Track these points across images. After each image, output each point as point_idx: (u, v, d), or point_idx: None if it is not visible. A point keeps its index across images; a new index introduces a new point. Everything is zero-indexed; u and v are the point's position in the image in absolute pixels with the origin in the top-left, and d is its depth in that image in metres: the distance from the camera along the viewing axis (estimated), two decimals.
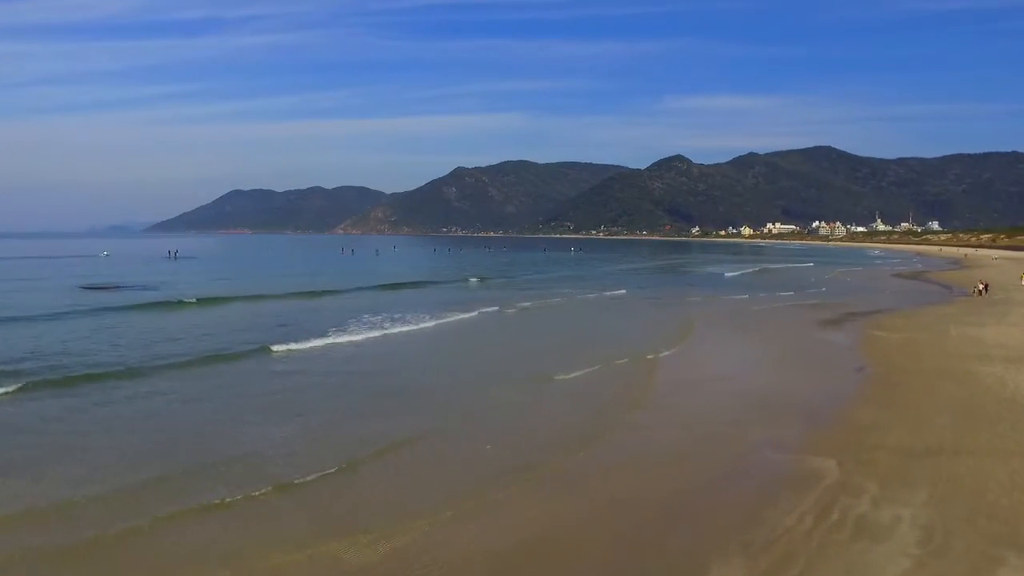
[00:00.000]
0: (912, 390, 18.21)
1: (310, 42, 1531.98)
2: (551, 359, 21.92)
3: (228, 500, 10.44)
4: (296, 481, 11.22)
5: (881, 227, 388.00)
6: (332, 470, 11.69)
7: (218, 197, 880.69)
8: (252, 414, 15.19)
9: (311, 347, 23.42)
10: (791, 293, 47.69)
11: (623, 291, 49.35)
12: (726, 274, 70.53)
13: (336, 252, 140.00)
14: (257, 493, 10.64)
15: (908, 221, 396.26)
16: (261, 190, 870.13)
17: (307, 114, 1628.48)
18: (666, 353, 23.12)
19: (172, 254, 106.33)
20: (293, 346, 23.18)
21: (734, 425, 15.20)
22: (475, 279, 57.59)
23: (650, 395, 17.79)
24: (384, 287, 49.15)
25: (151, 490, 10.85)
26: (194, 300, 36.59)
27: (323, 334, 25.60)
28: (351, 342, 24.74)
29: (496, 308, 36.43)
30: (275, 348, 22.70)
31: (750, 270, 78.48)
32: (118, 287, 48.68)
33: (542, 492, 11.21)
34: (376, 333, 26.74)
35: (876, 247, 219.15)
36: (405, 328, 28.29)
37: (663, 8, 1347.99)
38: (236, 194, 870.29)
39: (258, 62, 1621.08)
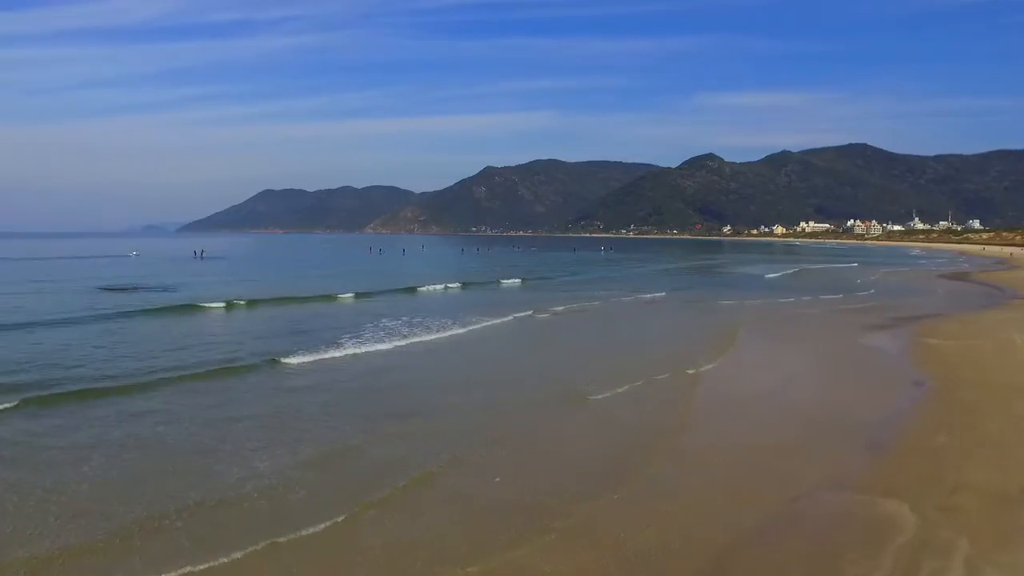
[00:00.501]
0: (985, 411, 16.15)
1: (340, 43, 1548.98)
2: (586, 374, 20.17)
3: (190, 571, 8.60)
4: (279, 539, 9.44)
5: (919, 226, 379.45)
6: (320, 527, 9.84)
7: (250, 197, 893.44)
8: (245, 442, 13.44)
9: (325, 359, 21.79)
10: (838, 296, 45.25)
11: (660, 294, 47.03)
12: (766, 275, 67.70)
13: (364, 252, 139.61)
14: (226, 560, 8.85)
15: (947, 219, 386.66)
16: (292, 190, 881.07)
17: (337, 114, 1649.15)
18: (709, 367, 21.21)
19: (199, 254, 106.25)
20: (305, 358, 21.59)
21: (785, 455, 13.33)
22: (505, 280, 55.86)
23: (691, 419, 15.93)
24: (409, 290, 47.64)
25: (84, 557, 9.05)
26: (209, 304, 35.43)
27: (340, 344, 24.07)
28: (369, 353, 23.07)
29: (528, 313, 34.41)
30: (285, 360, 21.17)
31: (790, 271, 75.37)
32: (137, 288, 47.90)
33: (563, 548, 9.50)
34: (397, 342, 24.96)
35: (915, 246, 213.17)
36: (429, 337, 26.46)
37: (695, 4, 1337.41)
38: (267, 194, 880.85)
39: (289, 63, 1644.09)
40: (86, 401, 16.38)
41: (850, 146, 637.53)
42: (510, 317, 32.80)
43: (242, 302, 36.86)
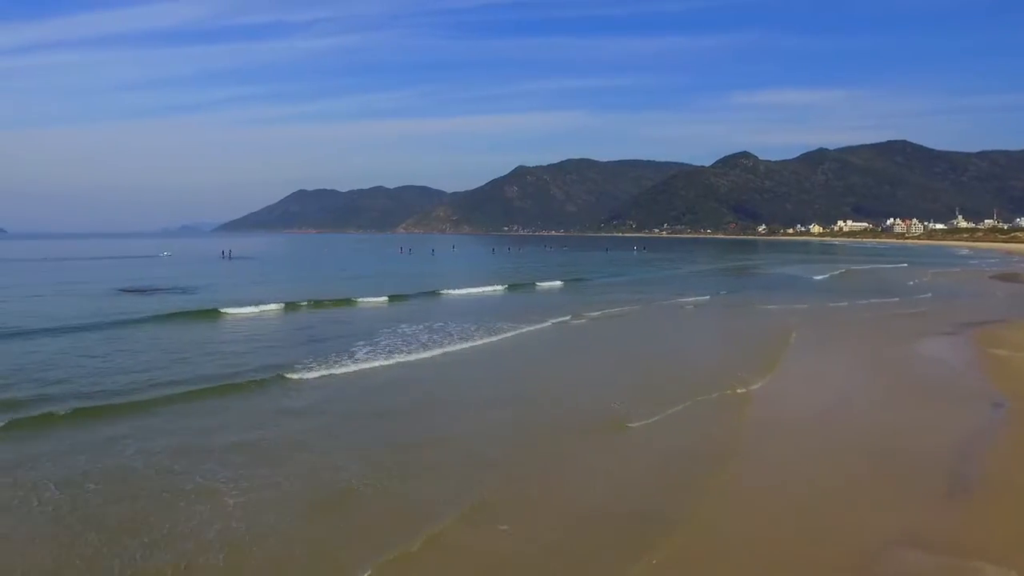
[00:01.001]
0: None
1: (372, 43, 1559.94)
2: (625, 393, 17.77)
3: None
4: None
5: (963, 224, 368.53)
6: None
7: (283, 197, 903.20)
8: (221, 482, 11.31)
9: (336, 374, 19.57)
10: (892, 299, 42.17)
11: (704, 297, 44.28)
12: (813, 277, 64.10)
13: (394, 252, 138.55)
14: None
15: (992, 218, 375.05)
16: (325, 190, 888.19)
17: (370, 114, 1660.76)
18: (760, 384, 18.65)
19: (227, 254, 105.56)
20: (313, 373, 19.40)
21: (850, 498, 10.91)
22: (539, 283, 53.06)
23: (742, 450, 13.41)
24: (436, 294, 45.39)
25: None
26: (224, 309, 33.57)
27: (354, 355, 21.95)
28: (385, 367, 20.85)
29: (563, 319, 32.09)
30: (292, 376, 19.05)
31: (836, 272, 71.82)
32: (157, 291, 46.68)
33: None
34: (417, 354, 22.63)
35: (961, 246, 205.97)
36: (453, 347, 24.08)
37: (729, 0, 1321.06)
38: (301, 194, 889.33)
39: (322, 64, 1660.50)
40: (50, 427, 14.33)
41: (889, 143, 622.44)
42: (544, 324, 30.51)
43: (259, 305, 34.98)
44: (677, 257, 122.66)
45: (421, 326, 28.72)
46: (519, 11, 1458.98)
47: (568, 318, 32.45)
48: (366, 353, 22.45)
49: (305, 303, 37.72)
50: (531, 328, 29.21)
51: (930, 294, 46.29)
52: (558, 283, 54.41)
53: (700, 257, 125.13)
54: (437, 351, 23.45)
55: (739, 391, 17.95)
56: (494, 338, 26.48)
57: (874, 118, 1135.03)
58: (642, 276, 66.63)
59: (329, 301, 39.05)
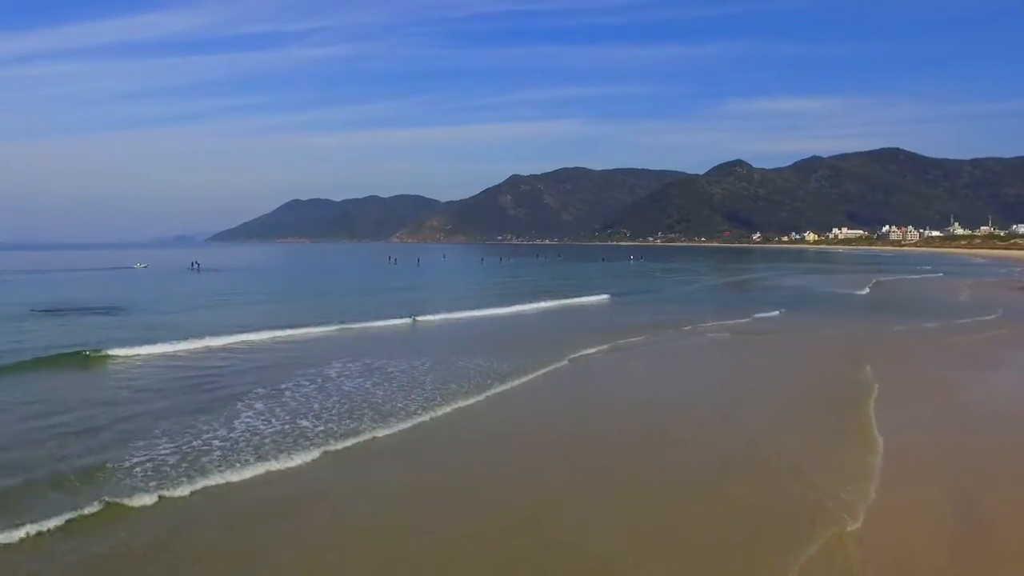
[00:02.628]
0: None
1: (367, 53, 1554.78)
2: (651, 506, 9.65)
3: None
4: None
5: (960, 231, 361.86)
6: None
7: (278, 207, 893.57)
8: None
9: (175, 497, 11.31)
10: (964, 320, 34.04)
11: (742, 320, 35.34)
12: (855, 292, 54.09)
13: (379, 261, 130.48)
14: None
15: (988, 224, 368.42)
16: (319, 199, 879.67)
17: (364, 124, 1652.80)
18: (865, 511, 10.47)
19: (195, 267, 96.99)
20: (170, 492, 11.09)
21: None
22: (523, 306, 42.49)
23: None
24: (405, 321, 36.75)
25: None
26: (108, 351, 24.72)
27: (257, 447, 13.56)
28: (292, 471, 12.49)
29: (560, 364, 22.89)
30: (128, 501, 10.78)
31: (870, 283, 63.11)
32: (75, 311, 38.80)
33: None
34: (353, 439, 14.21)
35: (963, 253, 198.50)
36: (395, 428, 15.36)
37: (724, 10, 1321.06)
38: (295, 204, 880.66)
39: (317, 74, 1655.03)
40: None
41: (882, 151, 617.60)
42: (532, 376, 20.93)
43: (152, 349, 25.21)
44: (680, 267, 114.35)
45: (380, 376, 20.25)
46: (513, 20, 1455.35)
47: (565, 363, 23.39)
48: (219, 454, 13.37)
49: (247, 330, 29.32)
50: (513, 385, 19.69)
51: (1000, 311, 38.00)
52: (551, 296, 46.12)
53: (704, 267, 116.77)
54: (383, 433, 14.71)
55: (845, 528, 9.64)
56: (451, 407, 16.89)
57: (867, 126, 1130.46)
58: (647, 290, 58.19)
59: (281, 327, 30.38)
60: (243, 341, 27.48)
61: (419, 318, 35.12)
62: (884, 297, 50.11)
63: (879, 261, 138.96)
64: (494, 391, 18.72)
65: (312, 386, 18.98)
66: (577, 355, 24.41)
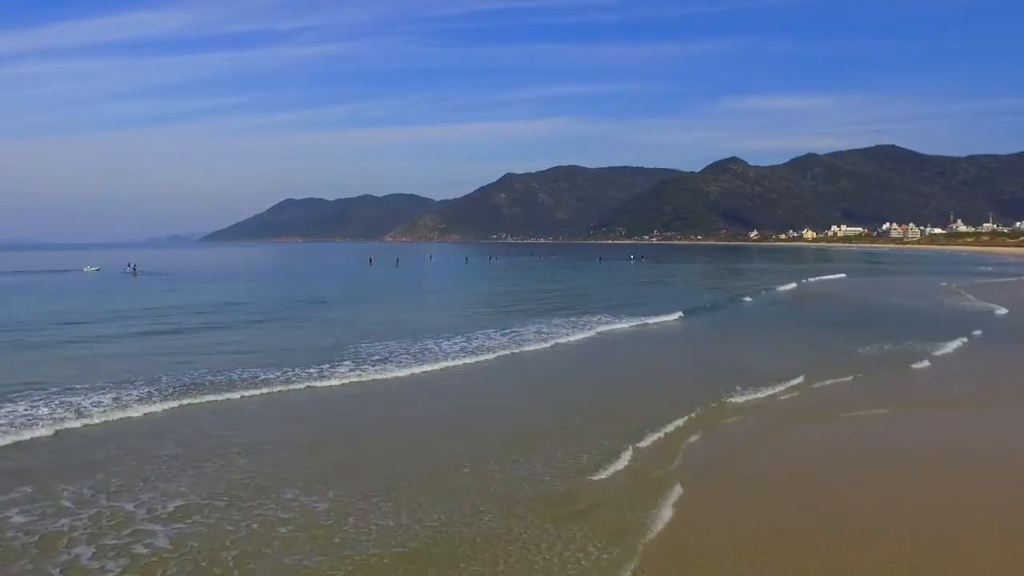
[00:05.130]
0: None
1: (360, 52, 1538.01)
2: None
3: None
4: None
5: (962, 228, 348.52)
6: None
7: (271, 206, 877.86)
8: None
9: None
10: None
11: (844, 378, 19.37)
12: (996, 310, 36.01)
13: (359, 262, 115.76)
14: None
15: (988, 221, 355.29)
16: (312, 199, 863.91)
17: (358, 123, 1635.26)
18: None
19: (131, 269, 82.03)
20: None
21: None
22: (496, 334, 28.83)
23: None
24: (311, 369, 22.17)
25: None
26: None
27: None
28: None
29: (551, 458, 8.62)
30: None
31: (967, 292, 47.20)
32: None
33: None
34: None
35: (975, 251, 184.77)
36: None
37: (719, 7, 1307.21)
38: (288, 203, 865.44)
39: (309, 73, 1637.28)
40: None
41: (877, 148, 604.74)
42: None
43: None
44: (689, 270, 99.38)
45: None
46: (507, 18, 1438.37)
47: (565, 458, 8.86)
48: None
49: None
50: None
51: None
52: (545, 315, 30.88)
53: (716, 268, 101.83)
54: None
55: None
56: None
57: (863, 123, 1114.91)
58: (662, 298, 43.19)
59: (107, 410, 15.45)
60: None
61: (321, 381, 19.89)
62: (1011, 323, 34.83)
63: (907, 261, 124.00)
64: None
65: None
66: None
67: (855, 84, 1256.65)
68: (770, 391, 17.43)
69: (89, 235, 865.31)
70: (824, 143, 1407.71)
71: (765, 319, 35.50)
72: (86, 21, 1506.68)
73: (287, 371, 19.79)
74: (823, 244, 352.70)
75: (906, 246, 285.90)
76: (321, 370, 20.05)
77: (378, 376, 19.68)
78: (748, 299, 43.37)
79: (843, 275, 72.45)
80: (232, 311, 36.92)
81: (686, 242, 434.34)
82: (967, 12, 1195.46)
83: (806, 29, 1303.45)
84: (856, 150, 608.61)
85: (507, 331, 28.77)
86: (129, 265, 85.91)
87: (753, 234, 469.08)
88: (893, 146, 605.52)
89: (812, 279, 64.83)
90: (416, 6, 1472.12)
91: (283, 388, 17.91)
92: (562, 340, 26.74)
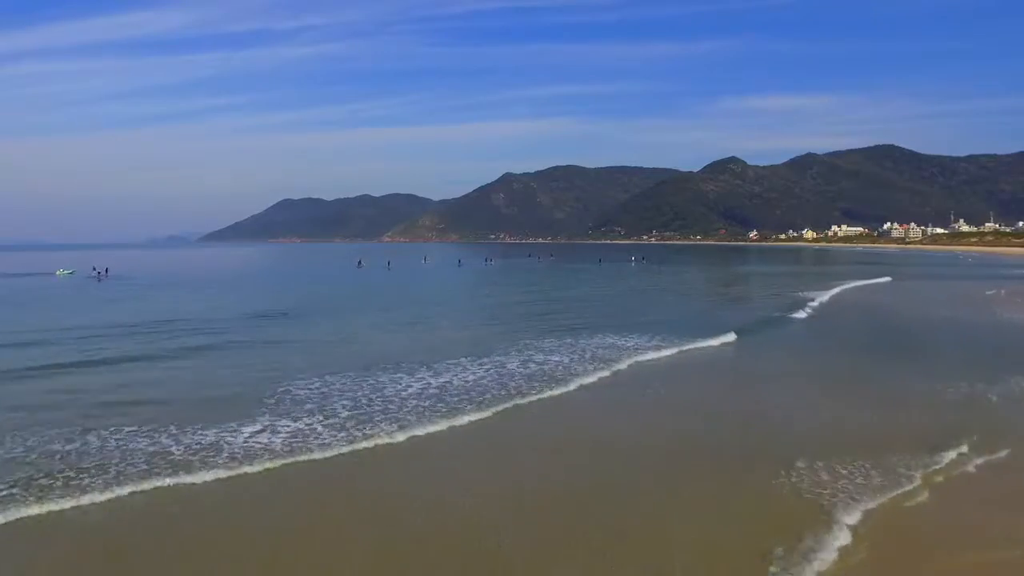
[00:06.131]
0: None
1: (358, 51, 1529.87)
2: None
3: None
4: None
5: (965, 228, 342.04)
6: None
7: (270, 206, 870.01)
8: None
9: None
10: None
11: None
12: None
13: (349, 264, 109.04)
14: None
15: (989, 221, 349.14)
16: (311, 199, 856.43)
17: (356, 123, 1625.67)
18: None
19: (99, 274, 75.28)
20: None
21: None
22: (472, 369, 22.92)
23: None
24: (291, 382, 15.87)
25: None
26: None
27: None
28: None
29: None
30: None
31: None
32: None
33: None
34: None
35: (983, 251, 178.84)
36: None
37: (718, 6, 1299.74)
38: (286, 203, 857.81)
39: (308, 72, 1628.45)
40: None
41: (876, 147, 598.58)
42: None
43: None
44: (698, 273, 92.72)
45: None
46: (505, 18, 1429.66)
47: None
48: None
49: None
50: None
51: None
52: (537, 341, 24.62)
53: (731, 274, 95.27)
54: None
55: None
56: None
57: (861, 123, 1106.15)
58: (704, 319, 36.70)
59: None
60: None
61: (189, 475, 13.12)
62: None
63: (924, 263, 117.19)
64: None
65: None
66: None
67: (855, 84, 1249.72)
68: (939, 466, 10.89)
69: (88, 235, 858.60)
70: (823, 143, 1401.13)
71: (851, 344, 27.87)
72: (85, 21, 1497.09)
73: (157, 445, 13.22)
74: (824, 244, 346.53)
75: (910, 246, 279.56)
76: (204, 446, 13.40)
77: (287, 459, 12.81)
78: (800, 314, 35.97)
79: (887, 279, 65.59)
80: (167, 332, 30.22)
81: (685, 242, 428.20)
82: (967, 12, 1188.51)
83: (806, 29, 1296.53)
84: (855, 150, 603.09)
85: (502, 360, 22.14)
86: (95, 269, 79.11)
87: (752, 234, 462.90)
88: (892, 146, 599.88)
89: (850, 284, 57.51)
90: (414, 5, 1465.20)
91: (108, 496, 11.02)
92: (586, 379, 19.71)
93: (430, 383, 18.82)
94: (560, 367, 21.35)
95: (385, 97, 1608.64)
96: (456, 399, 17.22)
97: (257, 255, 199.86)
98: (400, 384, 18.66)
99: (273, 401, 16.74)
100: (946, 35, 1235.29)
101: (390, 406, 16.44)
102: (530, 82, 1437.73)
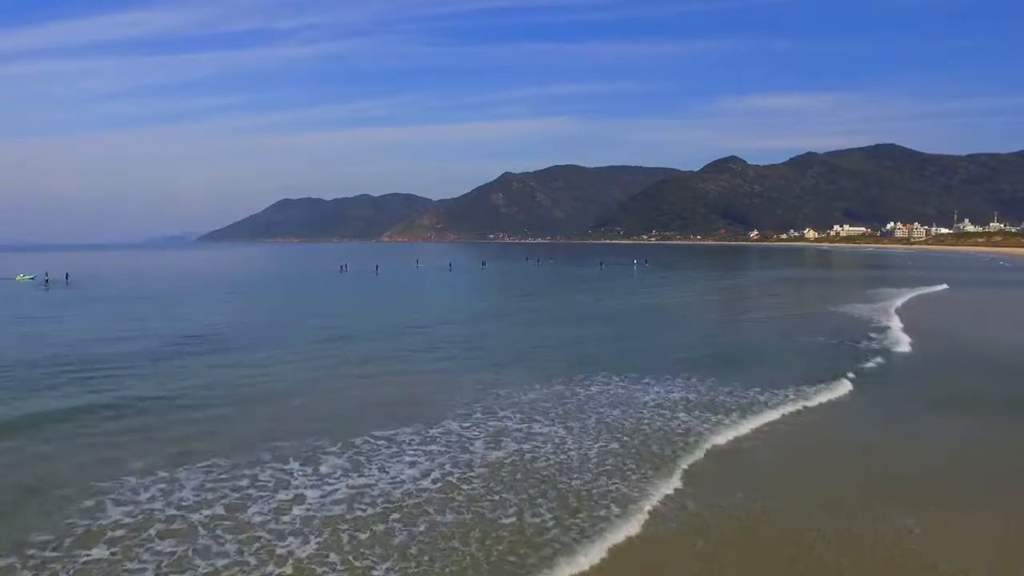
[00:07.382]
0: None
1: (357, 51, 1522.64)
2: None
3: None
4: None
5: (970, 228, 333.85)
6: None
7: (268, 206, 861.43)
8: None
9: None
10: None
11: None
12: None
13: (332, 269, 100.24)
14: None
15: (994, 221, 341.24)
16: (310, 199, 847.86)
17: (355, 122, 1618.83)
18: None
19: (46, 282, 66.78)
20: None
21: None
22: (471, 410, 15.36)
23: None
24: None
25: None
26: None
27: None
28: None
29: None
30: None
31: None
32: None
33: None
34: None
35: (992, 252, 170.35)
36: None
37: (718, 6, 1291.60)
38: (285, 203, 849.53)
39: (306, 72, 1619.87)
40: None
41: (877, 147, 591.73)
42: None
43: None
44: (713, 281, 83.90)
45: None
46: (505, 17, 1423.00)
47: None
48: None
49: None
50: None
51: None
52: (530, 384, 16.04)
53: (756, 282, 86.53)
54: None
55: None
56: None
57: (863, 122, 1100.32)
58: (769, 355, 27.47)
59: None
60: None
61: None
62: None
63: (947, 266, 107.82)
64: None
65: None
66: None
67: (855, 83, 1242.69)
68: None
69: (88, 236, 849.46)
70: (824, 142, 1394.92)
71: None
72: (84, 20, 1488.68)
73: None
74: (827, 244, 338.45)
75: (915, 247, 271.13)
76: None
77: None
78: (899, 345, 26.48)
79: (943, 286, 56.46)
80: (45, 371, 21.51)
81: (685, 242, 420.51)
82: (967, 12, 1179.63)
83: (806, 28, 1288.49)
84: (856, 149, 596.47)
85: (471, 441, 13.34)
86: (46, 276, 70.60)
87: (753, 234, 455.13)
88: (893, 145, 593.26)
89: (910, 295, 47.91)
90: (413, 5, 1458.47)
91: None
92: (633, 506, 10.73)
93: (336, 487, 10.13)
94: (588, 472, 12.28)
95: (384, 96, 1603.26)
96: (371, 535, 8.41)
97: (246, 257, 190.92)
98: (288, 488, 10.01)
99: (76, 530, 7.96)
100: (947, 35, 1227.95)
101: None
102: (529, 82, 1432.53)
